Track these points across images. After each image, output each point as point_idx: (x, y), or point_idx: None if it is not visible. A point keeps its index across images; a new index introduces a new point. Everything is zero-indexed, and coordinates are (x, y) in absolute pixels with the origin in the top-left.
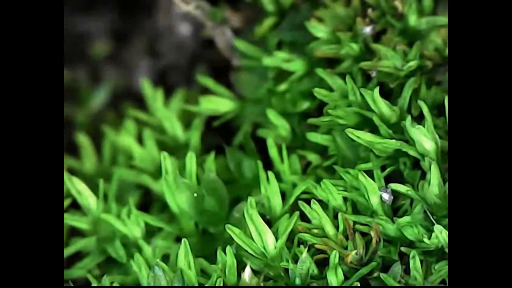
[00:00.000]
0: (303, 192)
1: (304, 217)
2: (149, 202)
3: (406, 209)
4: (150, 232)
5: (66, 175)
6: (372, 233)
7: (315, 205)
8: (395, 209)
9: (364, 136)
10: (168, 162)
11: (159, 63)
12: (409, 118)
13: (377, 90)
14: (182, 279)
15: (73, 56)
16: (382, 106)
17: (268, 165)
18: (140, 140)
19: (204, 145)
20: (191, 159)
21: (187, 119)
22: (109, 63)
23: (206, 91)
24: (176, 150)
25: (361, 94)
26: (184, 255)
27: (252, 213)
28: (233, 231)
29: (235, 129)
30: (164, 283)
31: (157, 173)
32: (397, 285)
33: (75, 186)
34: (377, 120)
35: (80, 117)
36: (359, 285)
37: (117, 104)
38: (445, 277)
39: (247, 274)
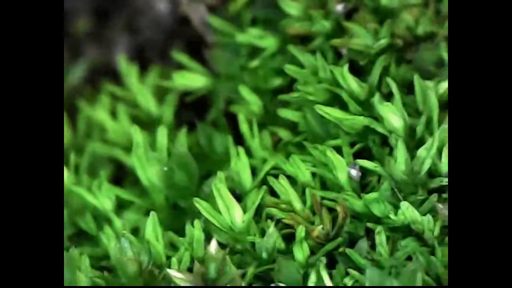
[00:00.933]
0: (274, 168)
1: (274, 193)
2: (122, 176)
3: (374, 185)
4: (122, 205)
5: None
6: (339, 209)
7: (283, 180)
8: (363, 186)
9: (333, 113)
10: (139, 136)
11: (137, 39)
12: (377, 95)
13: (346, 67)
14: (149, 251)
15: None
16: (352, 83)
17: (240, 140)
18: (115, 115)
19: (178, 121)
20: (162, 133)
21: (162, 95)
22: (89, 40)
23: (181, 67)
24: (150, 125)
25: (331, 71)
26: (152, 227)
27: (220, 187)
28: (201, 204)
29: (209, 105)
30: (130, 254)
31: (130, 147)
32: (363, 260)
33: None
34: (346, 96)
35: None
36: (325, 260)
37: (95, 80)
38: (410, 254)
39: (213, 247)
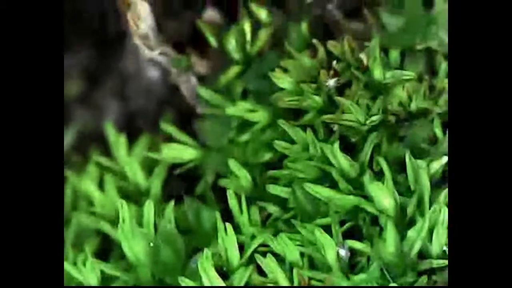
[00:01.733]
0: (262, 245)
1: (261, 270)
2: (108, 248)
3: (363, 265)
4: (106, 281)
5: None
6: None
7: (270, 259)
8: (352, 265)
9: (322, 191)
10: (125, 210)
11: (128, 106)
12: (368, 174)
13: (337, 144)
14: None
15: None
16: (342, 160)
17: (229, 215)
18: (102, 185)
19: (167, 192)
20: (149, 208)
21: (151, 165)
22: (78, 104)
23: (171, 137)
24: (138, 197)
25: (321, 148)
26: None
27: (206, 266)
28: (186, 283)
29: (198, 176)
30: None
31: (117, 220)
32: None
33: None
34: (336, 175)
35: None
36: None
37: (84, 146)
38: None
39: None
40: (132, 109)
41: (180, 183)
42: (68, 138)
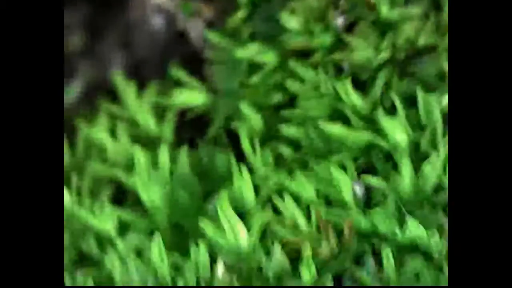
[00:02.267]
0: (275, 185)
1: (277, 209)
2: (122, 195)
3: (378, 201)
4: (123, 227)
5: None
6: (345, 226)
7: (288, 198)
8: (367, 201)
9: (336, 129)
10: (140, 156)
11: (132, 56)
12: (381, 110)
13: (349, 81)
14: (155, 274)
15: None
16: (354, 97)
17: (241, 157)
18: (113, 133)
19: (177, 138)
20: (163, 153)
21: (160, 113)
22: (82, 57)
23: (178, 84)
24: (149, 143)
25: (333, 86)
26: (157, 249)
27: (224, 207)
28: (206, 226)
29: (208, 121)
30: (136, 279)
31: (130, 167)
32: (369, 279)
33: None
34: (349, 111)
35: None
36: (331, 278)
37: (91, 97)
38: (417, 271)
39: (220, 270)
40: (138, 58)
41: (191, 128)
42: (75, 89)
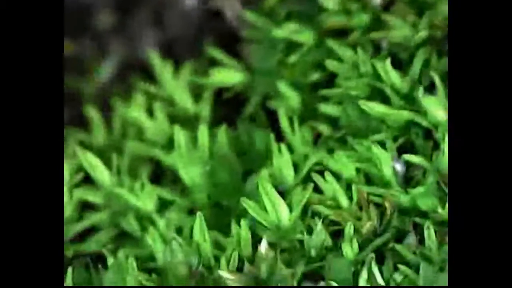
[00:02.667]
0: (315, 164)
1: (316, 189)
2: (159, 175)
3: (419, 179)
4: (162, 205)
5: (79, 149)
6: (386, 204)
7: (329, 176)
8: (407, 179)
9: (376, 107)
10: (180, 136)
11: (165, 34)
12: (421, 88)
13: (388, 60)
14: (198, 252)
15: (77, 28)
16: (394, 76)
17: (279, 137)
18: (150, 112)
19: (214, 117)
20: (203, 132)
21: (196, 92)
22: (114, 35)
23: (214, 63)
24: (187, 122)
25: (372, 64)
26: (199, 228)
27: (266, 185)
28: (247, 203)
29: (242, 101)
30: (180, 257)
31: (168, 146)
32: (411, 255)
33: (88, 160)
34: (389, 90)
35: (87, 90)
36: (373, 256)
37: (123, 76)
38: None
39: (263, 246)
40: (170, 37)
41: (228, 108)
42: (108, 68)
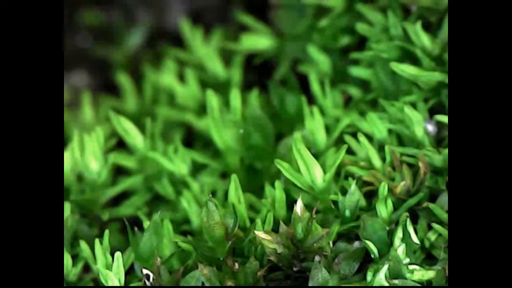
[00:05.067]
0: (347, 126)
1: (348, 151)
2: (191, 140)
3: None
4: (196, 169)
5: (112, 114)
6: (420, 164)
7: (362, 137)
8: (439, 140)
9: (408, 69)
10: (213, 100)
11: (193, 2)
12: None
13: (419, 23)
14: (235, 214)
15: None
16: (425, 39)
17: (310, 101)
18: (181, 79)
19: (244, 83)
20: (235, 96)
21: (227, 58)
22: (142, 4)
23: (243, 29)
24: (218, 87)
25: (402, 28)
26: (234, 190)
27: (300, 147)
28: (282, 165)
29: (272, 67)
30: (217, 219)
31: (200, 111)
32: (445, 214)
33: (122, 125)
34: (420, 53)
35: (117, 58)
36: (407, 215)
37: (152, 45)
38: None
39: (299, 207)
40: (198, 4)
41: (258, 73)
42: (137, 36)
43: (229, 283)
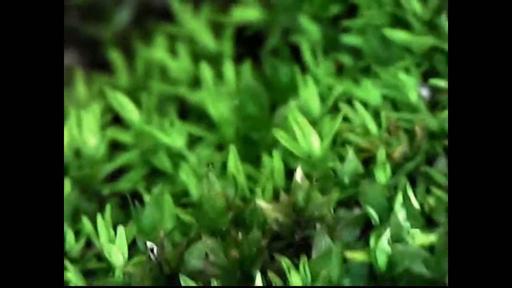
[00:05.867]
0: (341, 94)
1: (343, 119)
2: (184, 114)
3: (445, 104)
4: (190, 143)
5: (108, 90)
6: (417, 128)
7: (358, 104)
8: (433, 104)
9: (399, 35)
10: (207, 72)
11: None
12: (444, 15)
13: None
14: (235, 184)
15: None
16: (415, 4)
17: (302, 70)
18: (172, 53)
19: (235, 56)
20: (228, 68)
21: (217, 30)
22: None
23: (232, 1)
24: (209, 60)
25: None
26: (233, 160)
27: (296, 115)
28: (279, 134)
29: (263, 39)
30: (218, 189)
31: (193, 84)
32: (443, 178)
33: (118, 100)
34: (412, 17)
35: (106, 35)
36: (406, 181)
37: (140, 21)
38: None
39: (298, 175)
40: None
41: (249, 45)
42: (125, 14)
43: (234, 253)
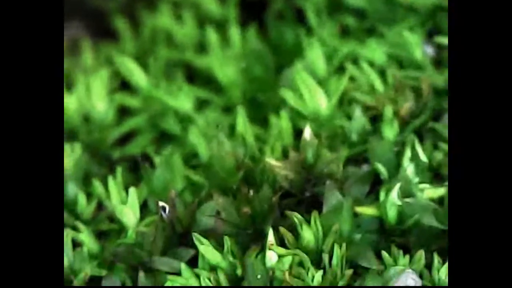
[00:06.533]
0: (346, 55)
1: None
2: (191, 78)
3: None
4: (199, 105)
5: (116, 56)
6: (423, 85)
7: (364, 63)
8: (438, 61)
9: None
10: (213, 36)
11: None
12: None
13: None
14: (244, 143)
15: None
16: None
17: (307, 33)
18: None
19: (239, 20)
20: (234, 32)
21: None
22: None
23: None
24: (214, 25)
25: None
26: (242, 120)
27: (303, 75)
28: (286, 94)
29: (264, 3)
30: (228, 148)
31: (198, 48)
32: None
33: (126, 65)
34: None
35: (111, 5)
36: (413, 137)
37: None
38: None
39: (307, 133)
40: None
41: (253, 10)
42: None
43: (245, 210)
